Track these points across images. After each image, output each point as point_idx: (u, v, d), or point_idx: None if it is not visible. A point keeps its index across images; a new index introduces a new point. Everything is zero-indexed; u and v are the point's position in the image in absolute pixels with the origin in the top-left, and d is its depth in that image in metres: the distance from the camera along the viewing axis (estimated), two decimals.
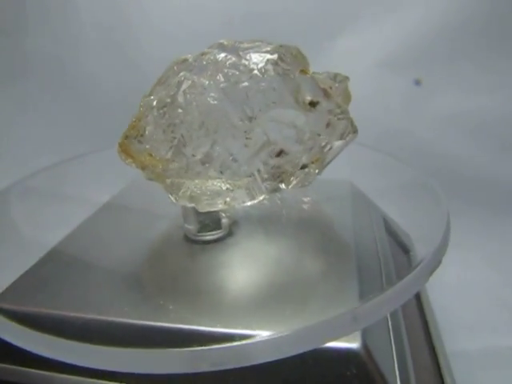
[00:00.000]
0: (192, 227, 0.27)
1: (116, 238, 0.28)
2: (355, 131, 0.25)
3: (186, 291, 0.22)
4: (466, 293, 0.36)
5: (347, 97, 0.26)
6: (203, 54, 0.24)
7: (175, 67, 0.24)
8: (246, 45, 0.24)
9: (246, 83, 0.23)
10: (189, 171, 0.24)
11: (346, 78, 0.25)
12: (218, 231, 0.27)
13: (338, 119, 0.24)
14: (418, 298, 0.33)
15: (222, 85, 0.23)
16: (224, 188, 0.24)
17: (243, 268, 0.24)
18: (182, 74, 0.24)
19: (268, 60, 0.23)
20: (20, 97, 0.55)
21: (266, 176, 0.23)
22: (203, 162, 0.23)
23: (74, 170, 0.39)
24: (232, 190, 0.24)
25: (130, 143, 0.24)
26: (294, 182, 0.25)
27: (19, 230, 0.34)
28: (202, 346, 0.17)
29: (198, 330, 0.20)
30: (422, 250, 0.33)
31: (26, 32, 0.57)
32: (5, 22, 0.57)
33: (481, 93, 0.51)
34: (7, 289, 0.23)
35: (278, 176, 0.24)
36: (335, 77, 0.25)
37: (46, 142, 0.54)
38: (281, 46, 0.23)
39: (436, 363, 0.26)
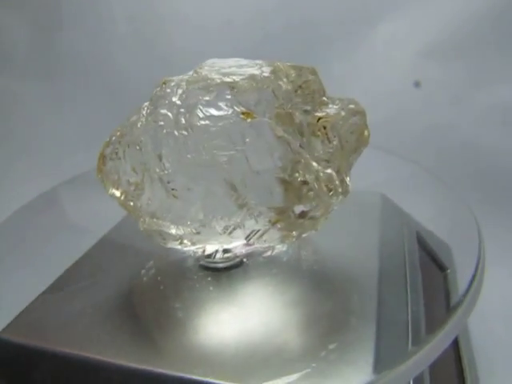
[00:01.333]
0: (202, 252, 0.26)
1: (127, 261, 0.27)
2: (343, 193, 0.21)
3: (191, 332, 0.21)
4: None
5: (362, 138, 0.22)
6: (165, 82, 0.22)
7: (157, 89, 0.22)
8: (202, 76, 0.21)
9: (169, 130, 0.20)
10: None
11: (362, 114, 0.22)
12: (230, 259, 0.25)
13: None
14: None
15: (150, 131, 0.21)
16: (174, 231, 0.22)
17: (251, 306, 0.22)
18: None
19: (201, 101, 0.20)
20: (55, 93, 0.56)
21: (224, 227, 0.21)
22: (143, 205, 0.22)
23: None
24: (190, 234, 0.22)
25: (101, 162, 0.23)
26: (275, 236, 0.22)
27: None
28: None
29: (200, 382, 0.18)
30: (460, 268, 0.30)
31: (61, 28, 0.57)
32: (39, 19, 0.57)
33: None
34: (14, 320, 0.23)
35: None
36: (349, 109, 0.22)
37: (81, 140, 0.54)
38: (244, 78, 0.20)
39: None
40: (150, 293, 0.24)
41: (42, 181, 0.52)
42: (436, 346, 0.18)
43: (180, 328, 0.21)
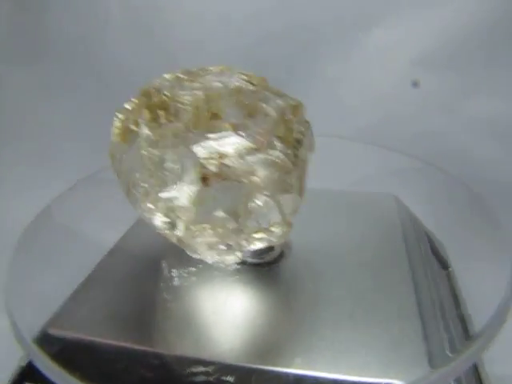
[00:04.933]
0: None
1: (167, 250, 0.27)
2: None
3: (230, 323, 0.22)
4: None
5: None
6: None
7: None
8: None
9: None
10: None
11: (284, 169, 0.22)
12: (268, 254, 0.26)
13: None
14: None
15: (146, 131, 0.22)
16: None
17: (295, 301, 0.23)
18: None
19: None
20: (41, 79, 0.54)
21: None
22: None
23: None
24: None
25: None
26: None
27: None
28: None
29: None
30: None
31: (48, 8, 0.54)
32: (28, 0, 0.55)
33: None
34: (58, 315, 0.23)
35: None
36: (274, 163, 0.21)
37: (70, 128, 0.53)
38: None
39: None
40: (185, 284, 0.25)
41: (29, 169, 0.51)
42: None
43: (217, 319, 0.22)
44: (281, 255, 0.26)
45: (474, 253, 0.31)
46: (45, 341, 0.21)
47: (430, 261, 0.30)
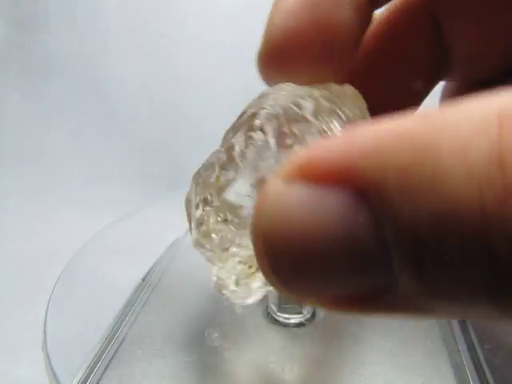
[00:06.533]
0: (274, 306, 0.26)
1: (194, 305, 0.27)
2: None
3: None
4: None
5: None
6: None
7: None
8: None
9: None
10: None
11: None
12: (301, 314, 0.25)
13: None
14: None
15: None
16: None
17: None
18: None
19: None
20: (41, 100, 0.52)
21: None
22: None
23: None
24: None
25: None
26: None
27: None
28: None
29: None
30: None
31: (49, 28, 0.53)
32: (25, 15, 0.53)
33: None
34: None
35: None
36: None
37: (69, 152, 0.51)
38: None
39: None
40: (220, 349, 0.24)
41: (24, 194, 0.49)
42: None
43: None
44: (312, 316, 0.26)
45: None
46: None
47: None
